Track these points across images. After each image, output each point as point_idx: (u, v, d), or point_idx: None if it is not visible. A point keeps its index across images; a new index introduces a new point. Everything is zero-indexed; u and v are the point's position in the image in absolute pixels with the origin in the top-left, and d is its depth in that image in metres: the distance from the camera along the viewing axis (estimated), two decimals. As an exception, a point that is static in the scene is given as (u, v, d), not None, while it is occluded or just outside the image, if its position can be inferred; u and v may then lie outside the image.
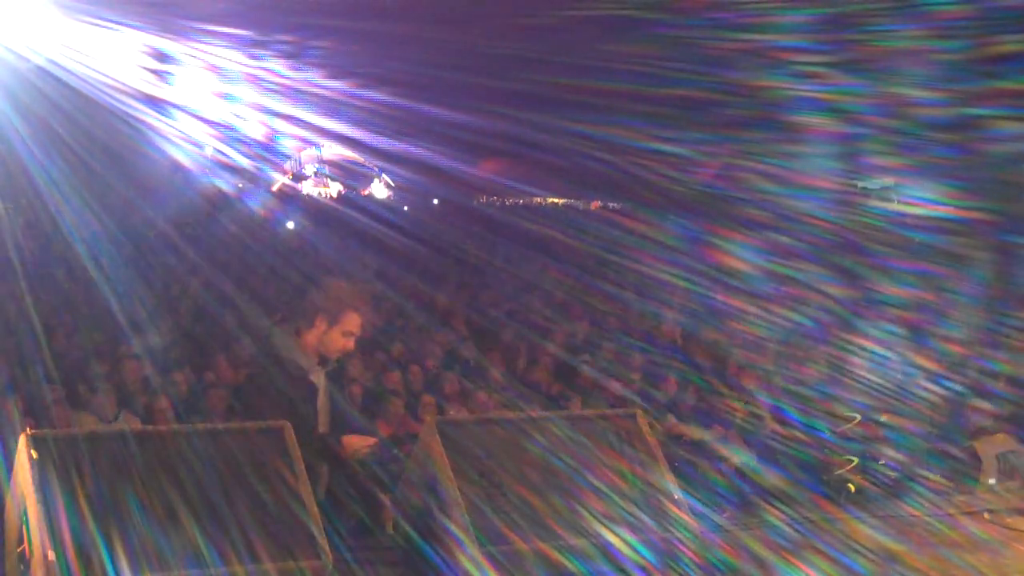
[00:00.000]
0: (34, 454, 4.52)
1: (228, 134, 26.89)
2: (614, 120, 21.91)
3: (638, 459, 5.68)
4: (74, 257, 15.77)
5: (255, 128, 28.00)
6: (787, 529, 6.06)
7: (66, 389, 7.94)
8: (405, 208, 30.05)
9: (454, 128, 24.45)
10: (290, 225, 23.49)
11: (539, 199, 34.93)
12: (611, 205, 33.31)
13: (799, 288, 14.32)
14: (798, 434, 7.98)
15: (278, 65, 24.85)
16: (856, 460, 7.86)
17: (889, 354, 10.65)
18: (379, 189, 36.61)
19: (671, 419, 8.79)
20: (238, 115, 26.69)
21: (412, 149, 27.93)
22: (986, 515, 6.76)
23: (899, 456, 7.76)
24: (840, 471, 7.87)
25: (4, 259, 14.68)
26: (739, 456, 8.16)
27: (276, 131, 29.74)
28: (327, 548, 4.81)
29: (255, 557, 4.59)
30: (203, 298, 12.98)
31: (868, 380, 9.10)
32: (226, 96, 26.11)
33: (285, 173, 35.28)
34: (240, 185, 28.46)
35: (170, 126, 24.57)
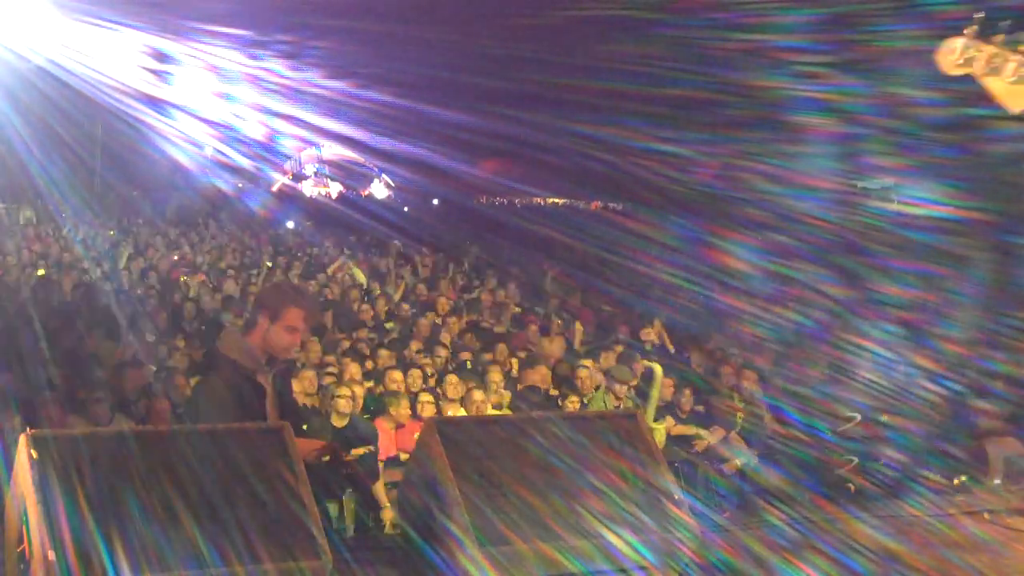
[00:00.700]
0: (34, 454, 4.51)
1: (228, 134, 26.90)
2: (614, 120, 21.91)
3: (638, 459, 5.68)
4: (74, 258, 15.78)
5: (255, 128, 28.01)
6: (787, 529, 6.06)
7: (63, 392, 7.94)
8: (405, 208, 30.06)
9: (454, 128, 24.46)
10: (290, 224, 23.49)
11: (539, 199, 34.92)
12: (611, 205, 33.32)
13: (799, 288, 14.32)
14: (798, 434, 7.98)
15: (278, 65, 24.86)
16: (856, 460, 7.87)
17: (889, 354, 10.65)
18: (379, 189, 36.61)
19: (670, 420, 8.79)
20: (238, 115, 26.69)
21: (412, 149, 27.94)
22: (986, 515, 6.76)
23: (899, 456, 7.77)
24: (840, 471, 7.87)
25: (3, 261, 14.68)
26: (739, 456, 8.17)
27: (276, 131, 29.76)
28: (327, 548, 4.81)
29: (255, 557, 4.58)
30: (204, 299, 12.98)
31: (868, 380, 9.10)
32: (226, 96, 26.11)
33: (285, 173, 35.28)
34: (240, 185, 28.47)
35: (170, 126, 24.57)
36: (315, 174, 36.81)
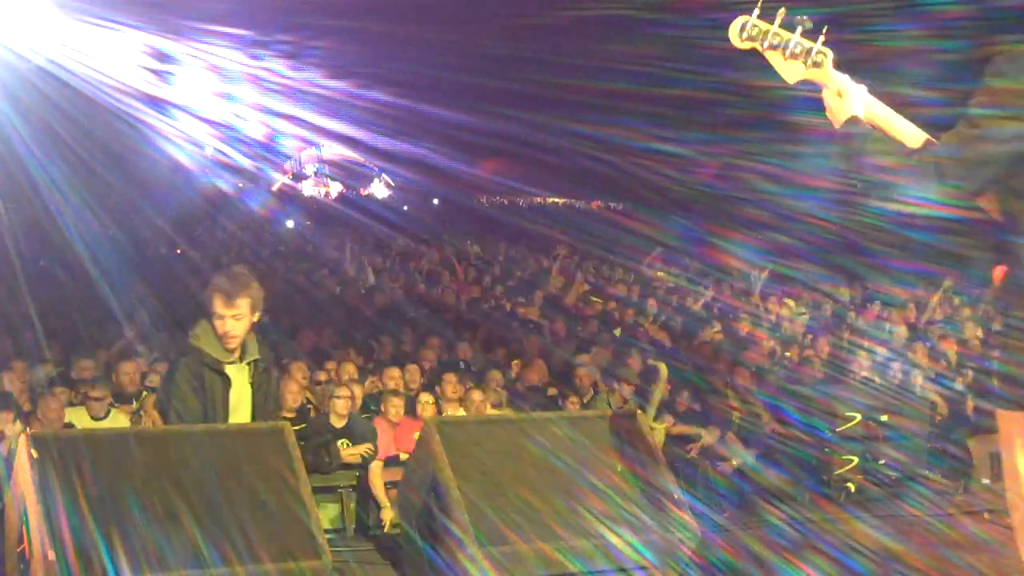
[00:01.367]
0: (34, 454, 4.52)
1: (228, 134, 26.88)
2: (614, 120, 21.91)
3: (638, 459, 5.68)
4: (73, 257, 15.77)
5: (255, 128, 27.99)
6: (787, 529, 6.07)
7: (60, 384, 7.94)
8: (405, 208, 30.05)
9: (454, 128, 24.45)
10: (290, 224, 23.49)
11: (539, 199, 34.91)
12: (611, 205, 33.32)
13: (799, 288, 14.31)
14: (798, 434, 7.98)
15: (278, 65, 24.83)
16: (856, 460, 7.87)
17: (889, 354, 10.65)
18: (379, 189, 36.60)
19: (669, 420, 8.78)
20: (238, 115, 26.68)
21: (412, 149, 27.94)
22: (986, 515, 6.77)
23: (899, 456, 7.77)
24: (840, 471, 7.87)
25: (3, 256, 14.68)
26: (736, 455, 8.16)
27: (276, 131, 29.74)
28: (327, 548, 4.81)
29: (255, 557, 4.59)
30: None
31: (868, 380, 9.10)
32: (226, 96, 26.10)
33: (285, 173, 35.28)
34: (240, 185, 28.46)
35: (170, 126, 24.56)
36: (315, 174, 36.79)
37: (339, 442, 7.54)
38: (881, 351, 10.84)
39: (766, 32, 3.07)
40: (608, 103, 22.18)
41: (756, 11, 3.07)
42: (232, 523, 4.66)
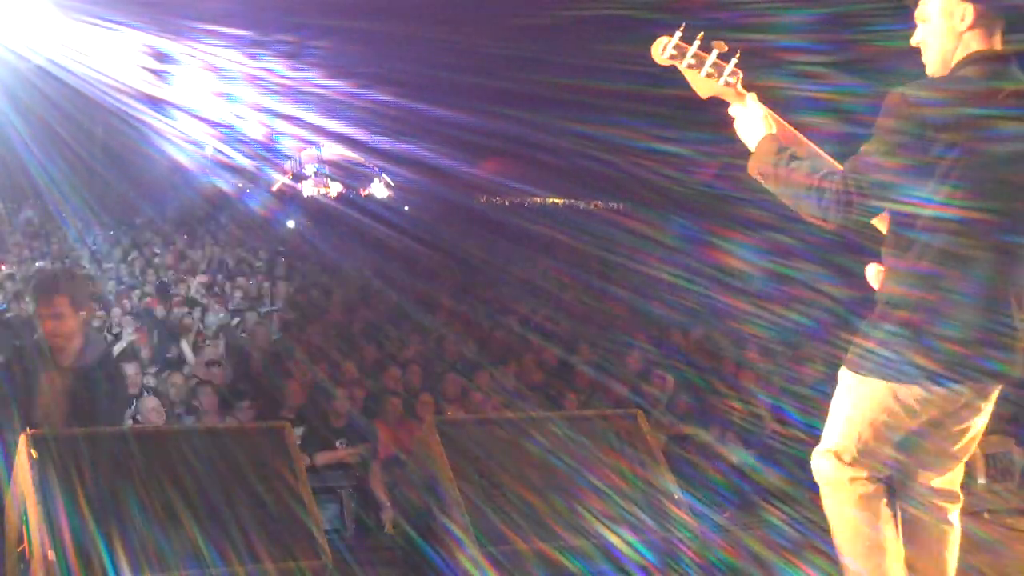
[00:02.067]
0: (34, 454, 4.51)
1: (228, 134, 26.90)
2: (614, 120, 21.90)
3: (638, 459, 5.68)
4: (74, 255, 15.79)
5: (255, 128, 28.00)
6: (787, 529, 6.06)
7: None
8: (406, 208, 30.05)
9: (454, 128, 24.45)
10: (290, 224, 23.49)
11: (539, 199, 34.91)
12: (611, 205, 33.31)
13: (799, 288, 14.31)
14: (798, 434, 7.98)
15: (278, 65, 24.85)
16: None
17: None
18: (379, 189, 36.59)
19: (670, 419, 8.79)
20: (238, 115, 26.70)
21: (412, 149, 27.93)
22: (986, 515, 6.76)
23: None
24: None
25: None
26: (736, 454, 8.16)
27: (276, 131, 29.75)
28: (327, 548, 4.81)
29: (255, 557, 4.59)
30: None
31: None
32: (226, 96, 26.12)
33: (285, 173, 35.28)
34: (240, 185, 28.46)
35: (170, 126, 24.57)
36: (315, 174, 36.79)
37: (338, 442, 7.56)
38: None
39: (685, 52, 3.37)
40: (608, 103, 22.17)
41: (678, 33, 3.40)
42: (232, 523, 4.66)
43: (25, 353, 5.12)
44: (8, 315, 11.00)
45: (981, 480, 8.34)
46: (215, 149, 27.70)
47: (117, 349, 9.41)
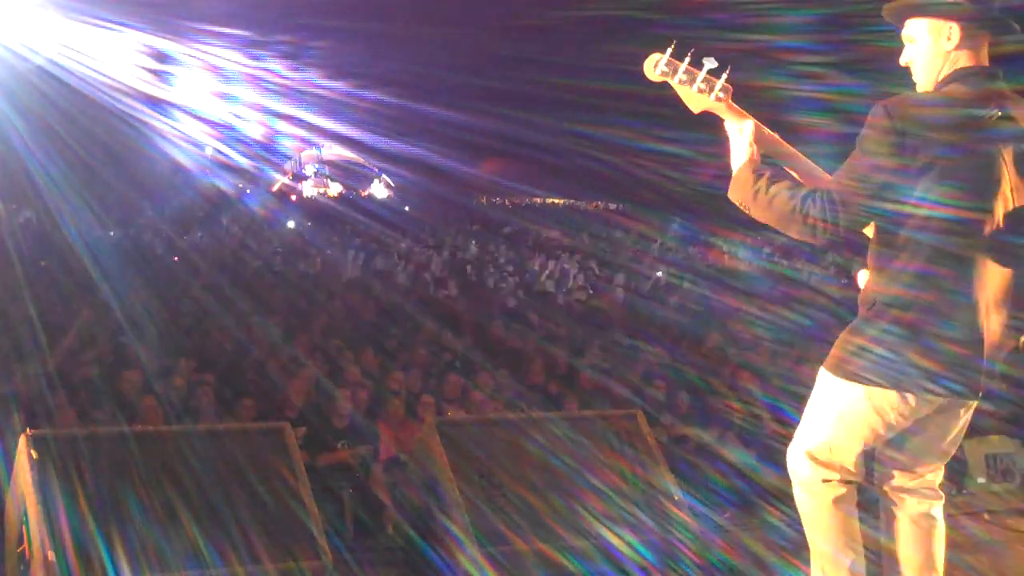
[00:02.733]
0: (34, 454, 4.52)
1: (228, 134, 26.90)
2: (614, 120, 21.91)
3: (638, 459, 5.68)
4: (74, 257, 15.78)
5: (255, 128, 28.02)
6: (787, 529, 6.06)
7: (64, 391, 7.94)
8: (406, 208, 30.05)
9: (454, 128, 24.46)
10: (291, 224, 23.49)
11: (539, 199, 34.92)
12: (611, 205, 33.33)
13: (799, 288, 14.32)
14: (798, 434, 7.97)
15: (278, 65, 24.86)
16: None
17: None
18: (379, 189, 36.60)
19: (670, 420, 8.78)
20: (238, 115, 26.70)
21: (412, 149, 27.94)
22: (986, 515, 6.75)
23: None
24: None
25: (4, 258, 14.68)
26: (735, 455, 8.15)
27: (276, 131, 29.76)
28: (327, 548, 4.81)
29: (255, 557, 4.59)
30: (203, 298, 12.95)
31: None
32: (226, 96, 26.12)
33: (285, 173, 35.28)
34: (240, 185, 28.47)
35: (170, 126, 24.57)
36: (315, 174, 36.79)
37: (339, 443, 7.55)
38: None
39: (677, 68, 3.43)
40: (608, 103, 22.18)
41: (670, 49, 3.45)
42: (232, 523, 4.66)
43: None
44: None
45: (981, 480, 8.34)
46: (215, 149, 27.70)
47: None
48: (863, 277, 3.34)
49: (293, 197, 33.03)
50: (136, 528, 4.47)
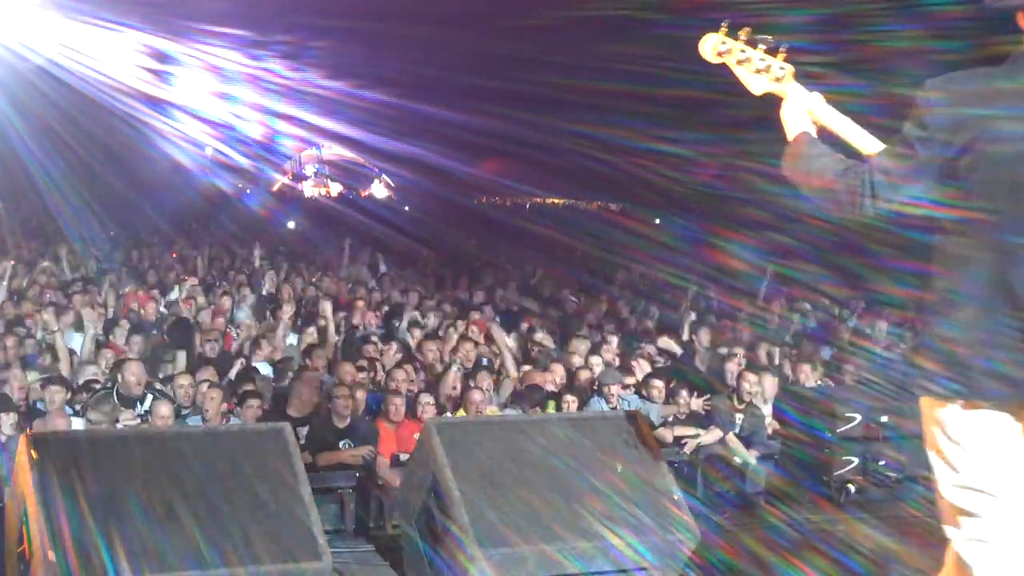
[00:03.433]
0: (34, 454, 4.52)
1: (228, 134, 26.90)
2: (614, 120, 21.90)
3: (638, 459, 5.68)
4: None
5: (255, 128, 28.01)
6: (787, 529, 6.07)
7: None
8: (406, 208, 30.03)
9: (454, 128, 24.44)
10: (291, 224, 23.49)
11: (539, 199, 34.91)
12: (611, 205, 33.32)
13: (799, 288, 14.31)
14: (798, 434, 7.97)
15: (278, 65, 24.86)
16: (856, 461, 7.86)
17: (889, 354, 10.64)
18: (379, 189, 36.59)
19: (670, 419, 8.76)
20: (238, 115, 26.70)
21: (412, 149, 27.92)
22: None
23: (899, 456, 7.76)
24: (840, 472, 7.86)
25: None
26: (737, 456, 8.15)
27: (276, 131, 29.76)
28: (327, 548, 4.81)
29: (255, 558, 4.59)
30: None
31: (868, 380, 9.08)
32: (226, 96, 26.11)
33: (285, 173, 35.29)
34: (240, 185, 28.47)
35: (170, 126, 24.58)
36: (315, 174, 36.79)
37: (341, 443, 7.55)
38: (881, 351, 10.83)
39: (733, 49, 3.38)
40: (608, 103, 22.18)
41: (723, 28, 3.40)
42: (232, 523, 4.66)
43: None
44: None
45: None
46: (215, 149, 27.70)
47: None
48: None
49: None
50: (136, 528, 4.47)
